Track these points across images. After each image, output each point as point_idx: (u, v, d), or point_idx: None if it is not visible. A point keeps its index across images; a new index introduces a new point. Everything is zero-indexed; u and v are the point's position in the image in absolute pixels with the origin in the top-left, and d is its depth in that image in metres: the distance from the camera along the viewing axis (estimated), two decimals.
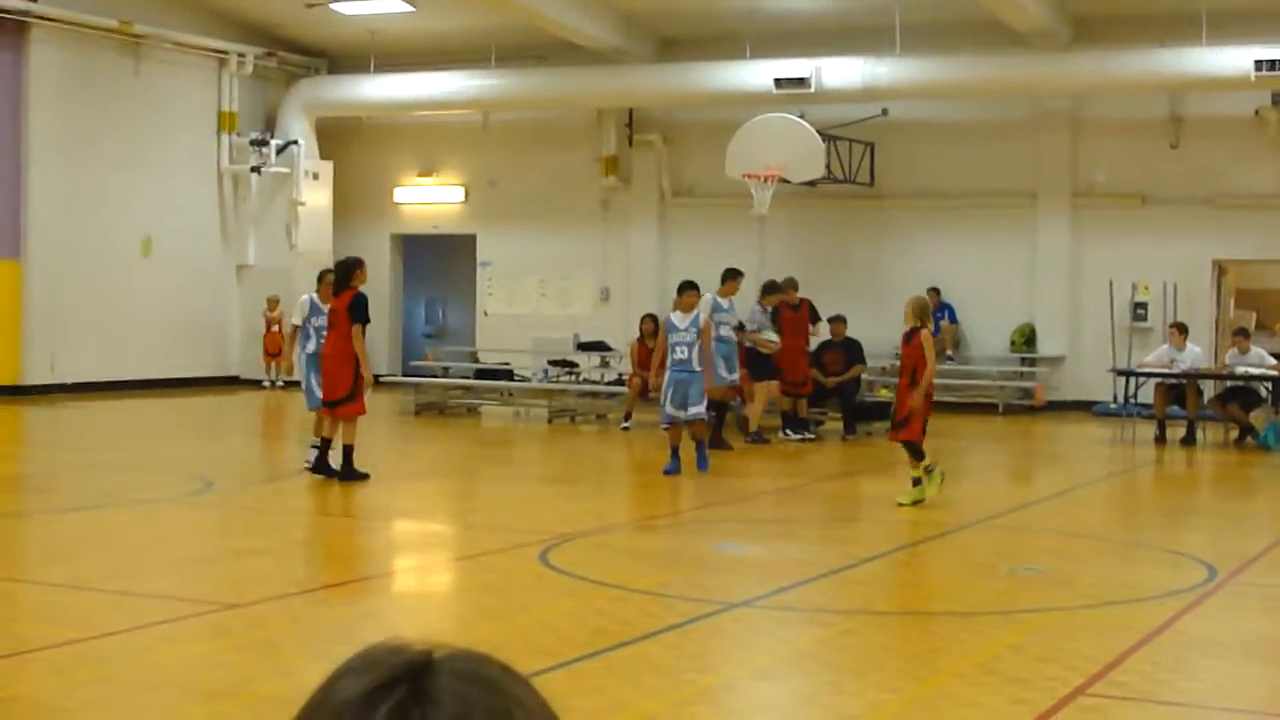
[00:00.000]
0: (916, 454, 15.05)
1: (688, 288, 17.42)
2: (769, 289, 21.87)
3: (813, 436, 21.73)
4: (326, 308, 16.45)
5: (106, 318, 27.94)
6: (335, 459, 15.89)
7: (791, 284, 22.56)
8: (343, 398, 15.80)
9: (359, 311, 15.83)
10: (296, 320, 17.16)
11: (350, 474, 15.80)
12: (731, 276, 20.82)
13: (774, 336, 21.30)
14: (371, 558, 12.64)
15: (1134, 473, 19.80)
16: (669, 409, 16.87)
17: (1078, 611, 10.25)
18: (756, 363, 21.13)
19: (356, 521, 14.46)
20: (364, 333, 15.90)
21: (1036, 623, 9.97)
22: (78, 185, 27.56)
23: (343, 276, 16.14)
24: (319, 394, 16.32)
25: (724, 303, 20.30)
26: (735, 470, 18.44)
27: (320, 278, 17.19)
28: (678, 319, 17.11)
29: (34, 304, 26.90)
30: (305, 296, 17.15)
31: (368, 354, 15.96)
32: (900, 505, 14.78)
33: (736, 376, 20.33)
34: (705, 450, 17.19)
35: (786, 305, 22.05)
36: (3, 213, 26.58)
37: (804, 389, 21.86)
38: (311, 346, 16.68)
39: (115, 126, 28.33)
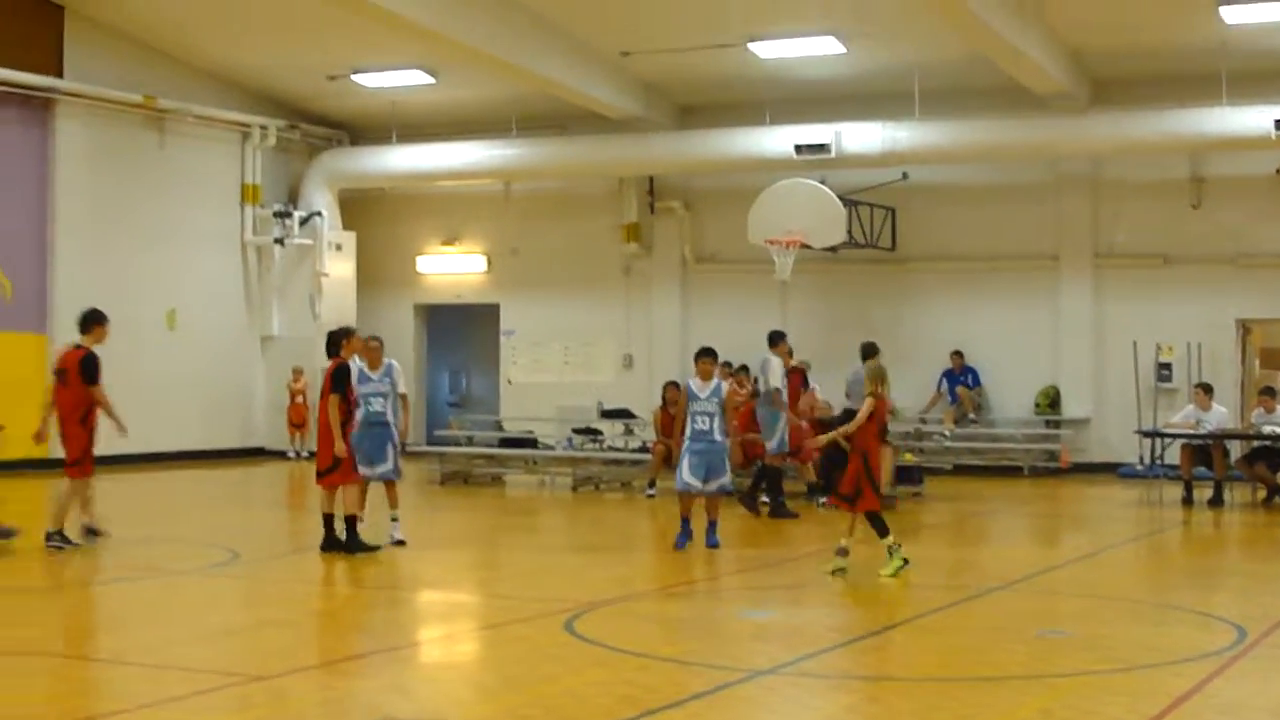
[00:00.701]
0: (879, 528, 14.78)
1: (706, 354, 16.67)
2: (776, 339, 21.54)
3: (823, 503, 21.28)
4: (375, 375, 16.47)
5: (132, 390, 27.82)
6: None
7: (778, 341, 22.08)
8: (326, 468, 15.77)
9: (337, 381, 15.74)
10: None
11: (355, 545, 15.72)
12: (782, 339, 20.73)
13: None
14: (396, 628, 12.61)
15: (1161, 534, 19.69)
16: (687, 477, 16.30)
17: (1107, 675, 10.19)
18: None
19: (381, 592, 14.43)
20: (342, 405, 15.71)
21: (1065, 687, 9.91)
22: (104, 259, 27.73)
23: (331, 346, 16.07)
24: (362, 465, 16.35)
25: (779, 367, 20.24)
26: (758, 537, 18.39)
27: (365, 342, 16.99)
28: (697, 387, 16.40)
29: None
30: (355, 365, 16.90)
31: (340, 425, 15.65)
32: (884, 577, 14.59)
33: (770, 444, 20.11)
34: (717, 526, 16.61)
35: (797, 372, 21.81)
36: (30, 287, 26.73)
37: (802, 455, 21.55)
38: (359, 415, 16.57)
39: (140, 200, 28.54)
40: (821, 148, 26.81)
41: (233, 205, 30.52)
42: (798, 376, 21.85)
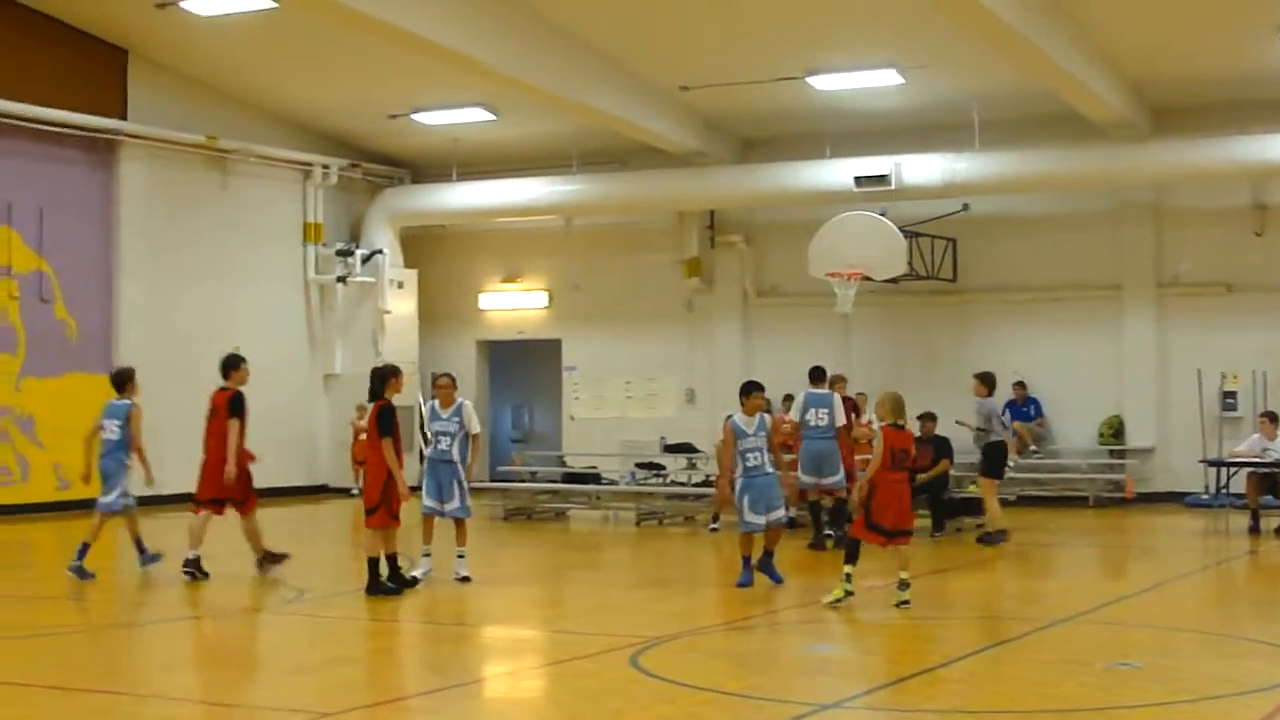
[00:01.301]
0: (850, 553, 14.78)
1: (754, 389, 16.51)
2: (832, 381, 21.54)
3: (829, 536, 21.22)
4: (445, 414, 16.55)
5: (197, 429, 28.03)
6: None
7: (839, 379, 22.06)
8: (371, 508, 15.75)
9: (384, 424, 15.67)
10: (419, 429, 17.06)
11: (375, 587, 15.64)
12: (821, 377, 20.71)
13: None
14: (461, 665, 12.64)
15: (1229, 564, 19.56)
16: (750, 517, 16.09)
17: (1177, 707, 10.12)
18: (991, 459, 20.95)
19: (447, 628, 14.48)
20: (395, 445, 15.67)
21: None
22: (167, 298, 27.97)
23: (376, 386, 16.04)
24: (429, 499, 16.49)
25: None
26: (824, 570, 18.36)
27: (435, 380, 17.21)
28: (744, 423, 16.18)
29: None
30: (429, 402, 17.03)
31: (398, 467, 15.64)
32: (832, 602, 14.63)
33: (837, 478, 19.98)
34: (773, 559, 16.50)
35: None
36: (95, 328, 26.99)
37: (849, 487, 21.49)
38: (428, 451, 16.70)
39: (203, 239, 28.78)
40: (881, 179, 26.79)
41: (295, 244, 30.72)
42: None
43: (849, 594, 14.66)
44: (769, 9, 23.09)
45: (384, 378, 16.10)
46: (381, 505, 15.67)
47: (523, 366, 34.04)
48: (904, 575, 14.74)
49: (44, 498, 25.96)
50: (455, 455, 16.53)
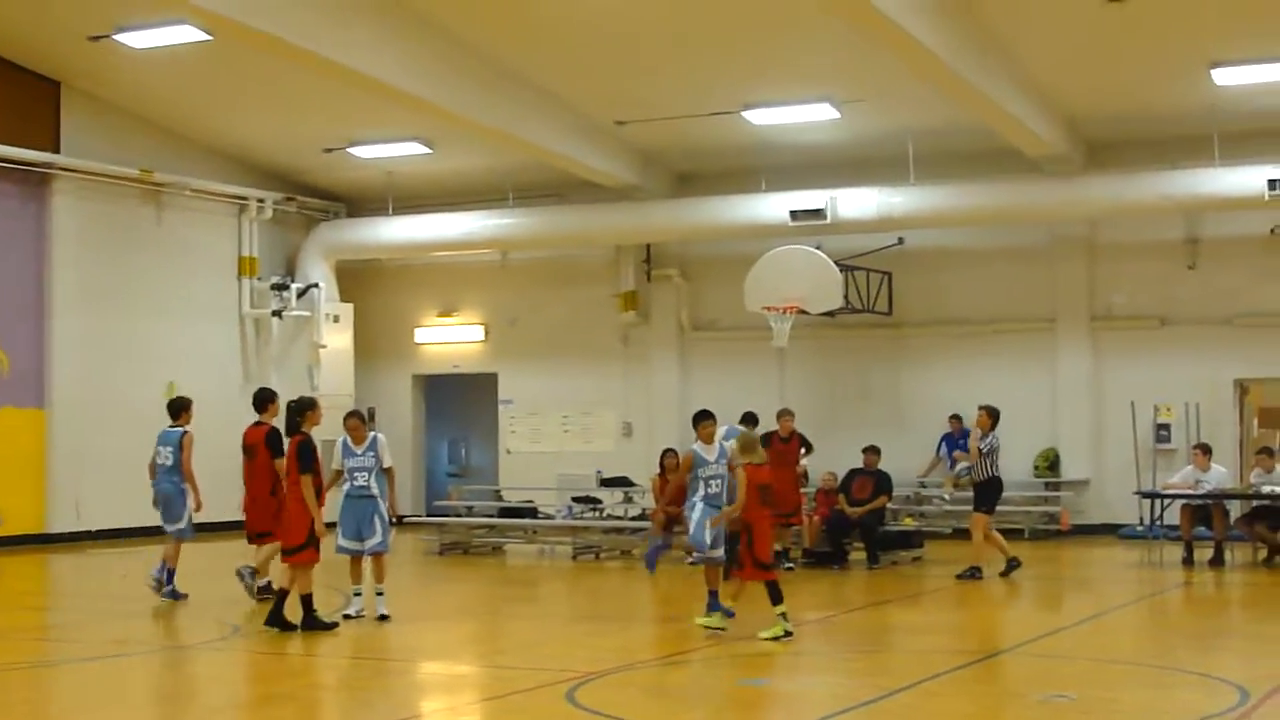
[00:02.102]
0: (772, 595, 14.91)
1: (707, 417, 16.29)
2: (746, 419, 21.76)
3: (790, 567, 21.40)
4: (359, 450, 16.38)
5: (130, 464, 27.79)
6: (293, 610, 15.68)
7: (785, 413, 22.47)
8: (295, 546, 15.53)
9: (304, 460, 15.51)
10: (335, 465, 16.54)
11: (313, 623, 15.45)
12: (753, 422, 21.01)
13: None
14: (398, 700, 12.55)
15: (1163, 595, 19.66)
16: (712, 545, 15.88)
17: None
18: (984, 494, 21.00)
19: (383, 664, 14.38)
20: (315, 480, 15.56)
21: None
22: (101, 333, 27.79)
23: (292, 419, 15.87)
24: (345, 539, 16.31)
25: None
26: (760, 602, 18.34)
27: (345, 419, 16.95)
28: (705, 451, 15.97)
29: (58, 452, 27.04)
30: (339, 439, 16.64)
31: (316, 502, 15.53)
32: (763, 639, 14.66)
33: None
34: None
35: (776, 436, 21.97)
36: (27, 361, 26.78)
37: (792, 520, 21.69)
38: (345, 488, 16.50)
39: (137, 274, 28.61)
40: (817, 213, 26.87)
41: (230, 278, 30.56)
42: (794, 441, 22.16)
43: (789, 633, 14.67)
44: (705, 44, 23.15)
45: (301, 410, 15.91)
46: (309, 543, 15.50)
47: (459, 401, 33.95)
48: (728, 604, 15.33)
49: None
50: (374, 489, 16.27)
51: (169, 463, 18.72)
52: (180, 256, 29.45)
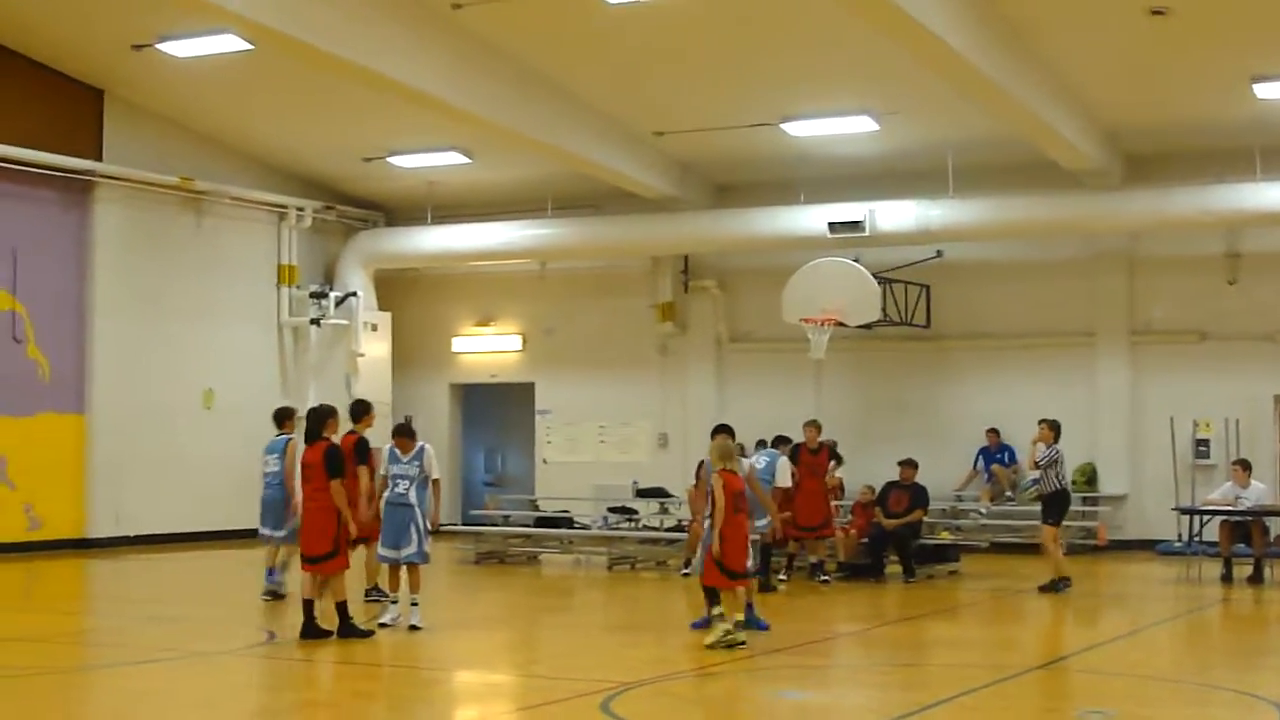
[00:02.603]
0: (709, 599, 15.02)
1: (720, 430, 16.84)
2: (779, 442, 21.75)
3: (825, 580, 21.55)
4: (405, 457, 16.30)
5: (169, 470, 28.15)
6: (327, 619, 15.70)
7: (812, 424, 22.50)
8: (325, 554, 15.48)
9: (332, 465, 15.49)
10: (382, 471, 16.56)
11: (350, 631, 15.45)
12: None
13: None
14: (435, 709, 12.58)
15: (1201, 612, 19.57)
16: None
17: None
18: (1052, 507, 20.95)
19: (419, 672, 14.41)
20: (344, 486, 15.54)
21: None
22: (141, 339, 27.91)
23: (313, 427, 15.81)
24: (384, 548, 16.33)
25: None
26: (796, 615, 18.33)
27: (394, 435, 16.94)
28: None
29: (98, 457, 27.15)
30: (387, 446, 16.70)
31: (349, 507, 15.59)
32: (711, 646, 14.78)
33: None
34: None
35: (804, 447, 22.05)
36: (68, 368, 26.90)
37: (823, 531, 21.77)
38: (387, 495, 16.53)
39: (178, 281, 28.71)
40: (855, 225, 26.83)
41: (269, 286, 30.66)
42: (823, 453, 22.23)
43: (734, 642, 14.79)
44: (745, 56, 23.17)
45: (322, 419, 15.85)
46: (339, 550, 15.47)
47: (496, 410, 33.98)
48: (738, 617, 15.16)
49: (13, 537, 25.85)
50: (413, 499, 16.21)
51: (275, 469, 19.25)
52: (220, 264, 29.56)
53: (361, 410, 18.04)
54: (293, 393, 30.58)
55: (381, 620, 16.27)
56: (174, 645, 15.66)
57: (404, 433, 16.61)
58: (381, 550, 16.40)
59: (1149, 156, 26.52)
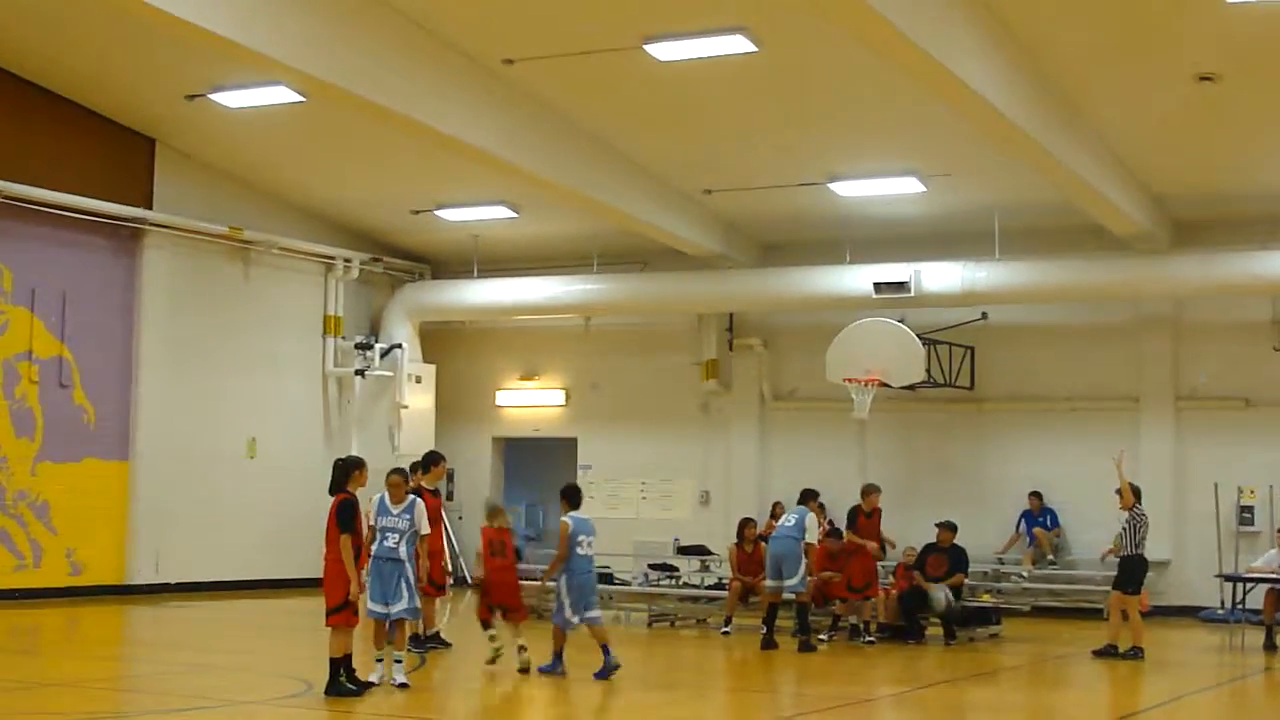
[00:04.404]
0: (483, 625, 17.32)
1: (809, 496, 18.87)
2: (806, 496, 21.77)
3: (871, 641, 21.52)
4: (395, 510, 16.15)
5: (211, 518, 28.25)
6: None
7: (872, 489, 22.49)
8: (333, 607, 15.22)
9: (344, 519, 15.25)
10: (370, 522, 16.19)
11: (336, 688, 15.13)
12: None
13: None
14: None
15: (1244, 680, 19.42)
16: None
17: None
18: (1128, 572, 20.80)
19: None
20: (354, 540, 15.27)
21: None
22: (186, 388, 28.06)
23: (338, 477, 15.57)
24: (373, 603, 15.99)
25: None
26: (837, 676, 18.26)
27: (388, 475, 16.81)
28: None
29: (140, 505, 27.27)
30: (377, 496, 16.38)
31: (354, 564, 15.17)
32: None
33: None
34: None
35: (861, 511, 22.07)
36: (114, 415, 27.05)
37: (868, 592, 21.76)
38: (375, 549, 16.12)
39: (224, 330, 28.87)
40: (901, 286, 26.83)
41: (315, 336, 30.80)
42: (876, 517, 22.27)
43: (498, 651, 17.16)
44: (793, 115, 23.25)
45: (348, 470, 15.60)
46: (346, 605, 15.20)
47: (538, 464, 34.00)
48: (520, 641, 17.06)
49: (55, 583, 25.97)
50: (402, 553, 15.94)
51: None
52: (266, 313, 29.72)
53: (432, 461, 18.84)
54: (336, 444, 30.71)
55: (369, 679, 15.88)
56: (211, 694, 15.68)
57: (401, 475, 16.53)
58: (371, 606, 15.92)
59: (1196, 221, 26.49)
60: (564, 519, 17.20)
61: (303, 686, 16.03)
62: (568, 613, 16.92)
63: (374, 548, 16.01)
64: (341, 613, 15.20)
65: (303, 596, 27.89)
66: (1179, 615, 26.32)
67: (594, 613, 17.13)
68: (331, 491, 15.60)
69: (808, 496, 21.48)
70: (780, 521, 21.74)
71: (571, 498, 17.56)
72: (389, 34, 20.10)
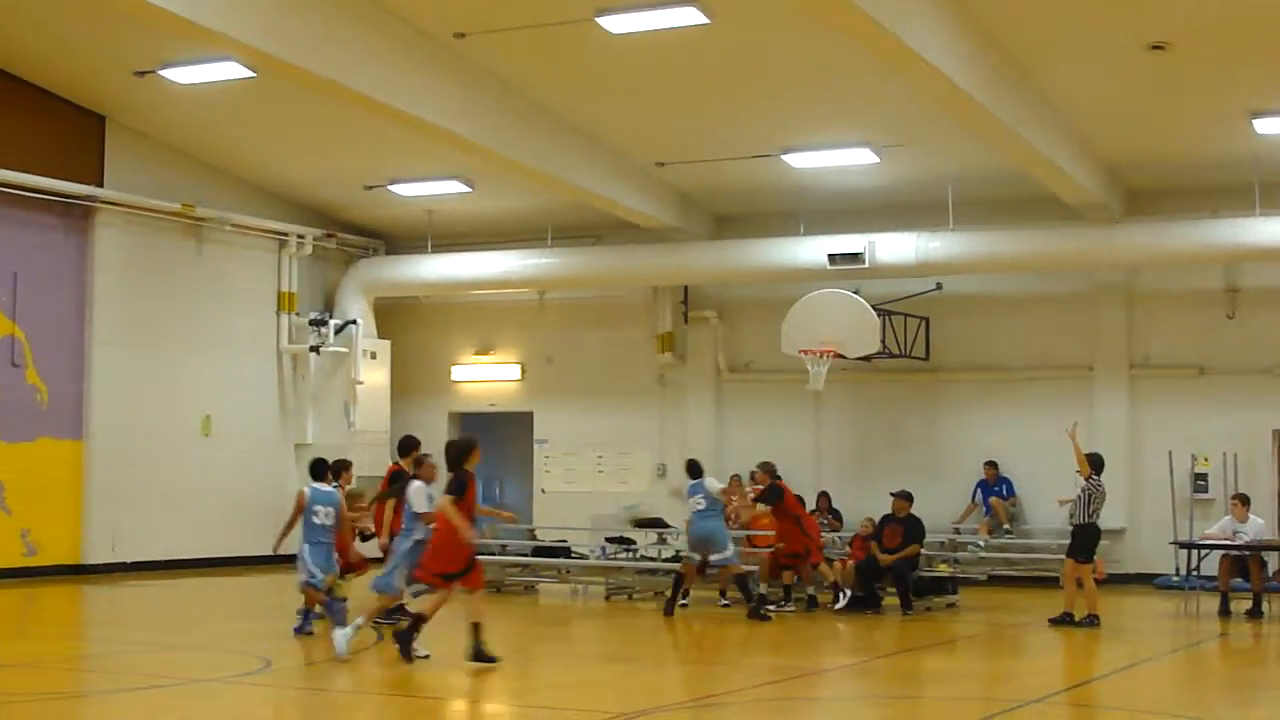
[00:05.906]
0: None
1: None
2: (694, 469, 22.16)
3: (785, 609, 21.87)
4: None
5: (166, 497, 28.13)
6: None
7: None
8: (460, 570, 15.92)
9: (457, 487, 15.58)
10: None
11: (480, 655, 15.68)
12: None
13: None
14: None
15: (1199, 646, 19.55)
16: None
17: None
18: (1081, 541, 20.84)
19: (414, 701, 14.39)
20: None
21: None
22: (140, 365, 27.91)
23: (457, 455, 15.70)
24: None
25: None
26: (792, 647, 18.30)
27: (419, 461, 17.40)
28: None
29: (95, 484, 27.12)
30: (418, 483, 17.07)
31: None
32: None
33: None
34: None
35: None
36: (67, 393, 26.89)
37: (811, 559, 22.01)
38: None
39: (177, 307, 28.72)
40: (855, 257, 26.86)
41: (269, 313, 30.67)
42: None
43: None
44: (746, 87, 23.22)
45: (467, 449, 15.74)
46: (473, 565, 15.66)
47: (494, 439, 33.85)
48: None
49: (10, 563, 25.83)
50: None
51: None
52: (220, 291, 29.57)
53: (409, 446, 18.92)
54: (292, 420, 30.64)
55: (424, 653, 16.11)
56: (169, 672, 15.64)
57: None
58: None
59: (1148, 190, 26.58)
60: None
61: (261, 663, 16.00)
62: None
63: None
64: (475, 571, 15.77)
65: (259, 574, 27.84)
66: (1134, 583, 26.46)
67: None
68: (451, 468, 15.68)
69: (696, 470, 21.99)
70: (691, 504, 21.84)
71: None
72: (339, 8, 19.99)
